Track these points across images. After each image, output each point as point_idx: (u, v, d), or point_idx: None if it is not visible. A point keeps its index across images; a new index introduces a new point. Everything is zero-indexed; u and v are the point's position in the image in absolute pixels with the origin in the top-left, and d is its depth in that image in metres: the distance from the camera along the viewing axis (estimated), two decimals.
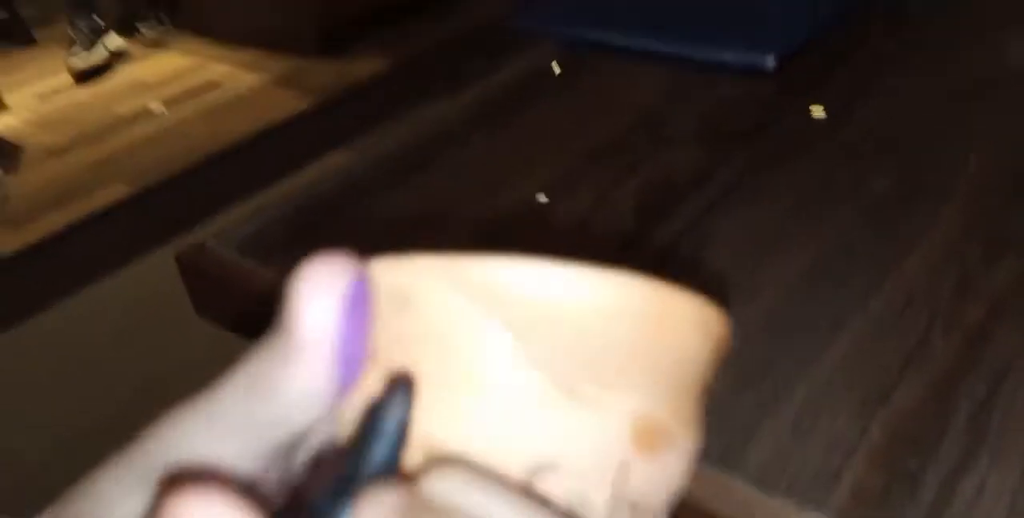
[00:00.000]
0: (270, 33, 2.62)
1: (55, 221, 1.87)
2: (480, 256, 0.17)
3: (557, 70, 0.73)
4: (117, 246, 1.83)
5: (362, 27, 2.55)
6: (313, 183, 0.63)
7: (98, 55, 2.58)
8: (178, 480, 0.16)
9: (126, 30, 2.80)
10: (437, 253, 0.17)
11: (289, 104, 2.28)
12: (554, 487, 0.17)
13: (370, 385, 0.17)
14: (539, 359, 0.17)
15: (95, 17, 2.64)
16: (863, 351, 0.42)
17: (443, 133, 0.68)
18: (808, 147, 0.60)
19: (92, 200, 1.94)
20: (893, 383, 0.41)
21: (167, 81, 2.52)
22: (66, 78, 2.55)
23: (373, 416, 0.17)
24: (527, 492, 0.16)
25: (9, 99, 2.23)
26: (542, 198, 0.56)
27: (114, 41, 2.67)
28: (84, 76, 2.55)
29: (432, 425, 0.17)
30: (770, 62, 0.70)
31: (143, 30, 2.81)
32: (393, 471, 0.16)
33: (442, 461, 0.16)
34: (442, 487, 0.15)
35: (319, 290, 0.16)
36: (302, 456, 0.19)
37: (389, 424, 0.16)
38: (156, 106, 2.37)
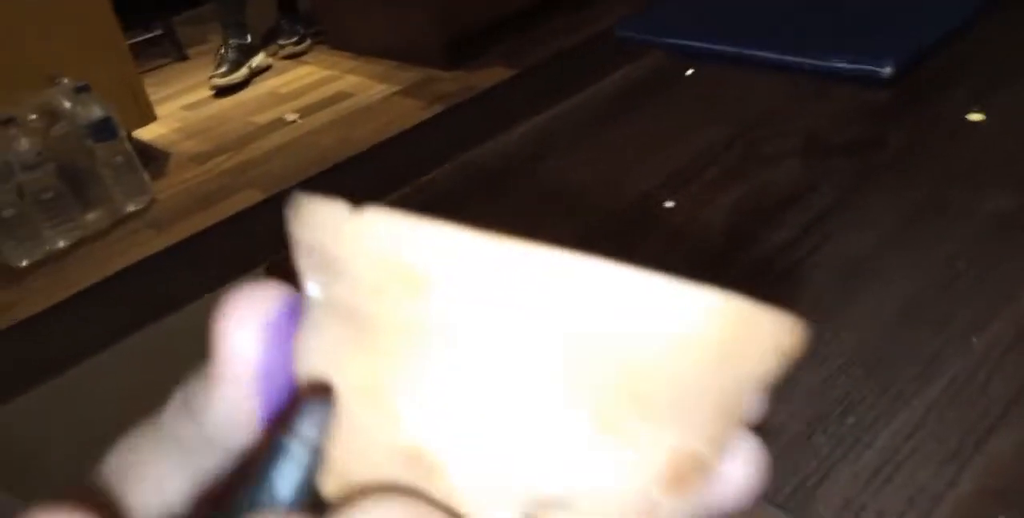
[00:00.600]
0: (400, 46, 2.70)
1: (195, 223, 1.98)
2: (539, 247, 0.13)
3: (689, 71, 0.72)
4: (251, 247, 1.91)
5: (484, 39, 2.60)
6: (435, 180, 0.64)
7: (239, 75, 2.73)
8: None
9: (268, 45, 2.95)
10: (488, 233, 0.13)
11: (415, 112, 2.33)
12: None
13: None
14: (581, 383, 0.14)
15: (247, 36, 2.80)
16: (959, 395, 0.39)
17: (553, 137, 0.67)
18: (920, 164, 0.56)
19: (229, 204, 2.05)
20: (988, 431, 0.37)
21: (302, 92, 2.64)
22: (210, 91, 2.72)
23: (276, 437, 0.14)
24: None
25: (159, 110, 2.38)
26: (669, 204, 0.55)
27: (258, 59, 2.82)
28: (222, 92, 2.71)
29: (423, 430, 0.14)
30: (887, 70, 0.65)
31: (283, 44, 2.95)
32: (298, 505, 0.14)
33: (382, 493, 0.14)
34: None
35: (241, 319, 0.16)
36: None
37: (294, 446, 0.14)
38: (291, 115, 2.48)
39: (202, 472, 0.17)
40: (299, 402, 0.15)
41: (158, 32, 3.08)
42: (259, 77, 2.81)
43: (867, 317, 0.44)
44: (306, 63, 2.87)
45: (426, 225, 0.14)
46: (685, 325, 0.13)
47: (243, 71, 2.75)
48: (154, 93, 2.39)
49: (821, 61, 0.68)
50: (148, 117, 2.31)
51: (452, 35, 2.56)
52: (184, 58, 3.09)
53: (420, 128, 0.99)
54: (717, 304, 0.14)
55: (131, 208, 2.11)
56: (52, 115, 2.00)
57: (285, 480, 0.14)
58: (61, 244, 2.00)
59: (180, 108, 2.67)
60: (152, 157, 2.34)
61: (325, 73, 2.75)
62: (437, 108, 2.33)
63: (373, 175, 0.79)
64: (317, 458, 0.14)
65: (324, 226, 0.14)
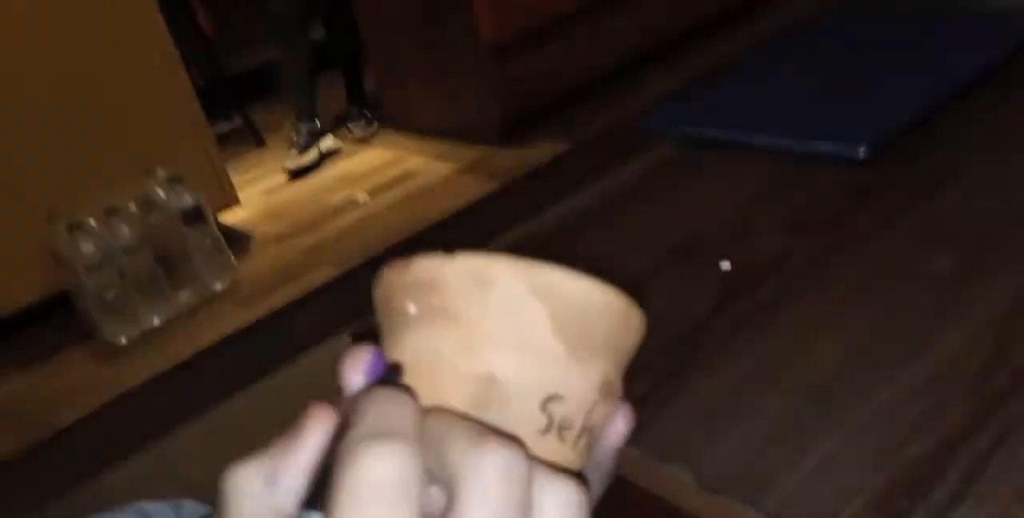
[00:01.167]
0: (459, 127, 2.88)
1: (277, 299, 2.15)
2: (545, 265, 0.26)
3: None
4: (327, 321, 2.06)
5: (536, 119, 2.78)
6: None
7: (309, 158, 2.95)
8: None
9: (338, 130, 3.18)
10: (521, 259, 0.26)
11: (475, 188, 2.49)
12: (556, 410, 0.26)
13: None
14: (563, 333, 0.26)
15: (316, 121, 3.02)
16: (885, 416, 0.50)
17: (585, 214, 0.81)
18: (880, 234, 0.67)
19: (306, 280, 2.22)
20: (908, 440, 0.48)
21: (371, 173, 2.83)
22: None
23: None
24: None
25: (242, 195, 2.56)
26: (725, 265, 0.67)
27: (328, 143, 3.04)
28: (295, 175, 2.93)
29: (494, 359, 0.26)
30: (861, 152, 0.77)
31: (352, 129, 3.16)
32: None
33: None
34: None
35: (351, 364, 0.27)
36: None
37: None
38: (361, 196, 2.67)
39: None
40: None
41: (238, 122, 3.34)
42: (330, 161, 3.02)
43: (820, 355, 0.55)
44: (373, 146, 3.08)
45: (487, 254, 0.26)
46: (609, 305, 0.27)
47: (313, 154, 2.96)
48: (236, 178, 2.57)
49: (807, 145, 0.81)
50: (232, 202, 2.48)
51: (507, 116, 2.73)
52: (262, 144, 3.33)
53: (475, 207, 1.13)
54: (625, 301, 0.28)
55: (218, 287, 2.27)
56: (149, 204, 2.20)
57: None
58: (156, 322, 2.17)
59: (260, 192, 2.89)
60: (236, 239, 2.53)
61: (391, 155, 2.95)
62: (495, 183, 2.50)
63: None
64: None
65: (432, 264, 0.27)
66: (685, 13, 3.17)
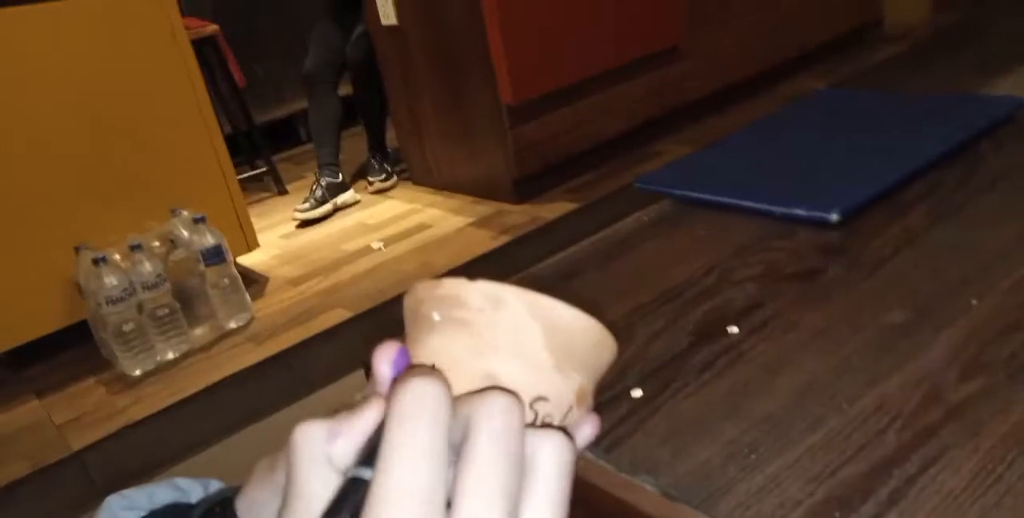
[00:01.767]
0: (475, 183, 2.99)
1: (289, 339, 2.23)
2: (545, 296, 0.32)
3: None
4: (339, 360, 2.13)
5: (549, 178, 2.89)
6: None
7: (321, 211, 3.07)
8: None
9: (359, 181, 3.29)
10: (526, 288, 0.32)
11: (487, 241, 2.59)
12: (541, 409, 0.32)
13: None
14: (553, 349, 0.32)
15: (339, 174, 3.14)
16: (830, 442, 0.57)
17: (583, 262, 0.89)
18: (844, 288, 0.75)
19: (320, 321, 2.29)
20: (844, 462, 0.54)
21: (388, 223, 2.93)
22: None
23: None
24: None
25: (261, 238, 2.65)
26: (733, 330, 0.72)
27: (345, 197, 3.15)
28: (303, 224, 3.04)
29: (498, 362, 0.31)
30: (834, 216, 0.85)
31: (372, 181, 3.28)
32: None
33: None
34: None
35: (381, 356, 0.33)
36: None
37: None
38: (377, 244, 2.76)
39: None
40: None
41: (262, 169, 3.46)
42: (350, 209, 3.13)
43: (778, 390, 0.62)
44: (392, 197, 3.19)
45: (501, 283, 0.33)
46: (589, 331, 0.34)
47: (327, 207, 3.07)
48: (256, 223, 2.66)
49: (785, 208, 0.89)
50: (251, 245, 2.57)
51: (521, 175, 2.84)
52: (284, 193, 3.45)
53: (485, 257, 1.21)
54: (603, 329, 0.34)
55: (233, 325, 2.35)
56: (172, 242, 2.29)
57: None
58: (171, 355, 2.23)
59: (279, 237, 2.98)
60: (253, 280, 2.62)
61: (408, 206, 3.06)
62: (505, 237, 2.59)
63: None
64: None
65: (457, 283, 0.34)
66: (698, 85, 3.30)
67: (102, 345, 2.27)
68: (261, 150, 3.45)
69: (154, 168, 2.36)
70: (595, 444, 0.58)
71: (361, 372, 2.13)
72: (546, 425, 0.32)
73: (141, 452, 1.86)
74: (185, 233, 2.28)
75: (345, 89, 3.26)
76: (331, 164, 3.14)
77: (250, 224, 2.57)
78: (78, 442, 1.91)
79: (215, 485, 0.47)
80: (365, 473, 0.28)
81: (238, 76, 3.43)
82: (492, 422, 0.28)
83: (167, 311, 2.21)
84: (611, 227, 0.96)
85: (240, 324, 2.36)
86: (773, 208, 0.90)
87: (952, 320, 0.67)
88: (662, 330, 0.73)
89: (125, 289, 2.10)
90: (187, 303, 2.29)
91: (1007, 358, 0.62)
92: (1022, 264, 0.73)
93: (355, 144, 3.52)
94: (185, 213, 2.30)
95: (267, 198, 3.42)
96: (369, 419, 0.30)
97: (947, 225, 0.83)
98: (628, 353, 0.71)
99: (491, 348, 0.32)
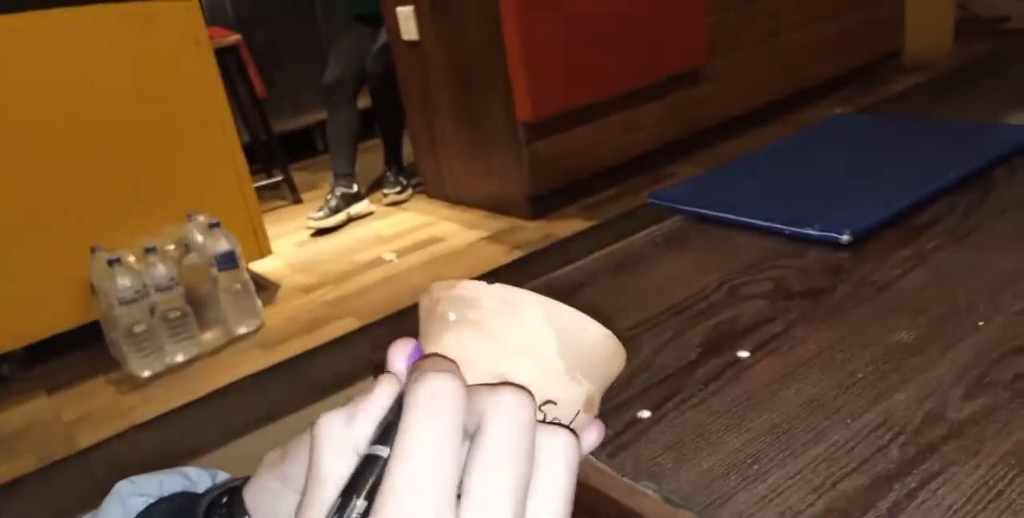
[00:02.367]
0: (490, 199, 3.00)
1: (298, 346, 2.24)
2: (560, 304, 0.33)
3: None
4: (347, 368, 2.14)
5: (562, 195, 2.90)
6: None
7: (335, 219, 3.09)
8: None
9: (373, 193, 3.32)
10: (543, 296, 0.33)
11: (499, 256, 2.60)
12: (550, 412, 0.33)
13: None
14: (564, 355, 0.33)
15: (354, 185, 3.17)
16: (832, 455, 0.57)
17: (594, 274, 0.89)
18: (853, 307, 0.75)
19: (329, 330, 2.30)
20: (846, 475, 0.55)
21: (401, 235, 2.95)
22: None
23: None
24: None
25: (274, 246, 2.67)
26: (743, 354, 0.72)
27: (359, 208, 3.18)
28: (318, 233, 3.07)
29: (509, 368, 0.32)
30: (846, 237, 0.86)
31: (387, 193, 3.30)
32: None
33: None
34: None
35: (395, 353, 0.35)
36: None
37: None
38: (389, 255, 2.77)
39: None
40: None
41: (279, 178, 3.49)
42: (364, 220, 3.15)
43: (783, 403, 0.63)
44: (406, 210, 3.21)
45: (518, 288, 0.34)
46: (601, 340, 0.35)
47: (341, 216, 3.10)
48: (271, 230, 2.68)
49: (797, 228, 0.89)
50: (264, 251, 2.59)
51: (536, 191, 2.86)
52: (299, 201, 3.47)
53: (496, 270, 1.22)
54: (614, 340, 0.35)
55: (243, 330, 2.36)
56: (187, 246, 2.31)
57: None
58: (180, 358, 2.25)
59: (291, 245, 3.00)
60: (264, 287, 2.63)
61: (422, 219, 3.07)
62: (518, 253, 2.60)
63: None
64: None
65: (474, 285, 0.35)
66: (717, 109, 3.32)
67: (112, 345, 2.29)
68: (278, 159, 3.48)
69: (172, 173, 2.39)
70: (598, 449, 0.59)
71: (367, 381, 2.12)
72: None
73: (147, 452, 1.87)
74: (200, 237, 2.30)
75: (364, 101, 3.29)
76: (347, 175, 3.16)
77: (264, 231, 2.60)
78: (85, 440, 1.92)
79: (223, 476, 0.48)
80: (381, 451, 0.29)
81: (258, 86, 3.47)
82: (505, 415, 0.29)
83: (178, 314, 2.23)
84: (622, 241, 0.97)
85: (250, 330, 2.37)
86: (785, 227, 0.90)
87: (959, 340, 0.68)
88: (669, 342, 0.74)
89: (138, 291, 2.12)
90: (198, 307, 2.30)
91: (1012, 379, 0.62)
92: None
93: (371, 156, 3.54)
94: (201, 218, 2.33)
95: (282, 207, 3.45)
96: (383, 396, 0.31)
97: (957, 249, 0.84)
98: (635, 364, 0.72)
99: (504, 350, 0.33)
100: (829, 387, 0.64)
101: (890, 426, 0.59)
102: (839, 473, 0.55)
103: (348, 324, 2.32)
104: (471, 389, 0.30)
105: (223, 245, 2.28)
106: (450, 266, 2.60)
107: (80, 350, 2.34)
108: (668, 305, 0.80)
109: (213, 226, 2.28)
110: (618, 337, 0.35)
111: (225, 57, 3.06)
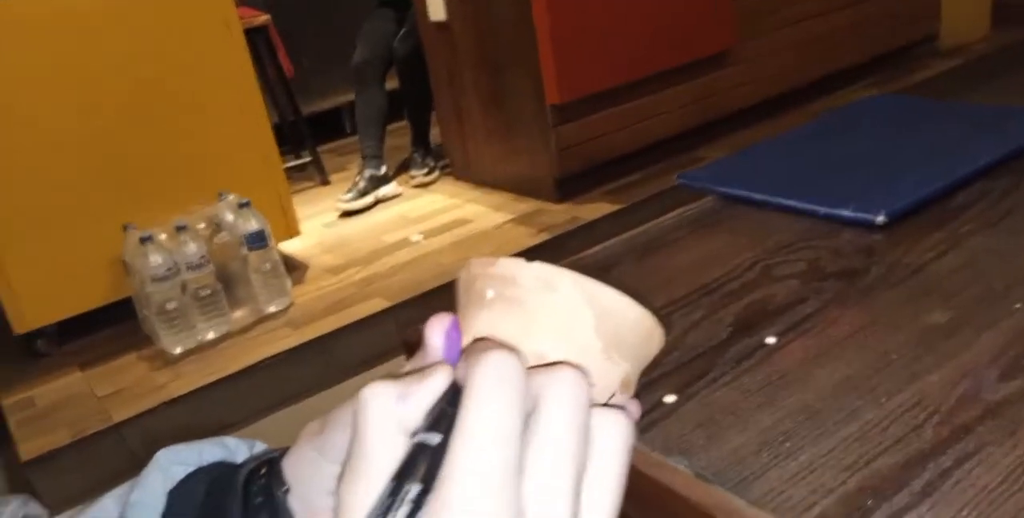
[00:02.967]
0: (517, 181, 3.00)
1: (327, 325, 2.26)
2: (599, 283, 0.32)
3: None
4: (375, 348, 2.16)
5: (590, 178, 2.90)
6: None
7: (363, 202, 3.10)
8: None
9: (401, 174, 3.33)
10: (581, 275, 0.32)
11: (526, 238, 2.60)
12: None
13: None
14: (602, 335, 0.32)
15: (382, 167, 3.18)
16: (865, 435, 0.57)
17: (625, 254, 0.90)
18: (886, 288, 0.75)
19: (357, 310, 2.32)
20: (879, 454, 0.55)
21: (428, 216, 2.95)
22: None
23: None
24: None
25: (302, 227, 2.69)
26: (771, 339, 0.72)
27: (387, 190, 3.19)
28: (346, 215, 3.08)
29: (546, 347, 0.32)
30: (880, 218, 0.85)
31: (415, 175, 3.31)
32: None
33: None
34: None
35: (433, 327, 0.33)
36: None
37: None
38: (416, 236, 2.79)
39: None
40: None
41: (307, 159, 3.50)
42: (391, 202, 3.16)
43: (816, 383, 0.63)
44: (433, 191, 3.22)
45: (557, 267, 0.34)
46: (641, 320, 0.35)
47: (368, 199, 3.10)
48: (299, 211, 2.71)
49: (831, 209, 0.89)
50: (293, 232, 2.61)
51: (563, 174, 2.85)
52: (327, 183, 3.49)
53: (524, 253, 1.22)
54: (653, 320, 0.35)
55: (272, 309, 2.39)
56: (217, 225, 2.34)
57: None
58: (211, 335, 2.28)
59: (320, 226, 3.02)
60: (293, 266, 2.65)
61: (449, 201, 3.08)
62: (545, 235, 2.60)
63: None
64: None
65: (513, 263, 0.35)
66: (745, 92, 3.29)
67: (144, 322, 2.32)
68: (306, 140, 3.50)
69: (203, 152, 2.42)
70: None
71: (395, 361, 2.16)
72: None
73: (178, 427, 1.90)
74: (230, 216, 2.32)
75: (392, 83, 3.29)
76: (375, 156, 3.17)
77: (293, 211, 2.61)
78: (118, 415, 1.96)
79: (260, 446, 0.49)
80: (432, 438, 0.29)
81: (287, 66, 3.48)
82: (564, 396, 0.30)
83: (209, 291, 2.25)
84: (652, 222, 0.97)
85: (279, 308, 2.40)
86: (818, 208, 0.90)
87: (994, 323, 0.67)
88: (701, 321, 0.74)
89: (170, 268, 2.15)
90: (229, 285, 2.33)
91: None
92: None
93: (399, 138, 3.55)
94: (231, 197, 2.35)
95: (310, 188, 3.47)
96: (439, 382, 0.31)
97: (993, 231, 0.83)
98: (666, 342, 0.72)
99: (541, 329, 0.33)
100: (862, 367, 0.64)
101: (924, 406, 0.59)
102: (872, 452, 0.55)
103: (376, 304, 2.33)
104: (527, 370, 0.31)
105: (253, 225, 2.30)
106: (476, 248, 2.61)
107: (112, 327, 2.38)
108: (699, 285, 0.80)
109: (243, 205, 2.30)
110: (650, 312, 0.35)
111: (254, 37, 3.07)
